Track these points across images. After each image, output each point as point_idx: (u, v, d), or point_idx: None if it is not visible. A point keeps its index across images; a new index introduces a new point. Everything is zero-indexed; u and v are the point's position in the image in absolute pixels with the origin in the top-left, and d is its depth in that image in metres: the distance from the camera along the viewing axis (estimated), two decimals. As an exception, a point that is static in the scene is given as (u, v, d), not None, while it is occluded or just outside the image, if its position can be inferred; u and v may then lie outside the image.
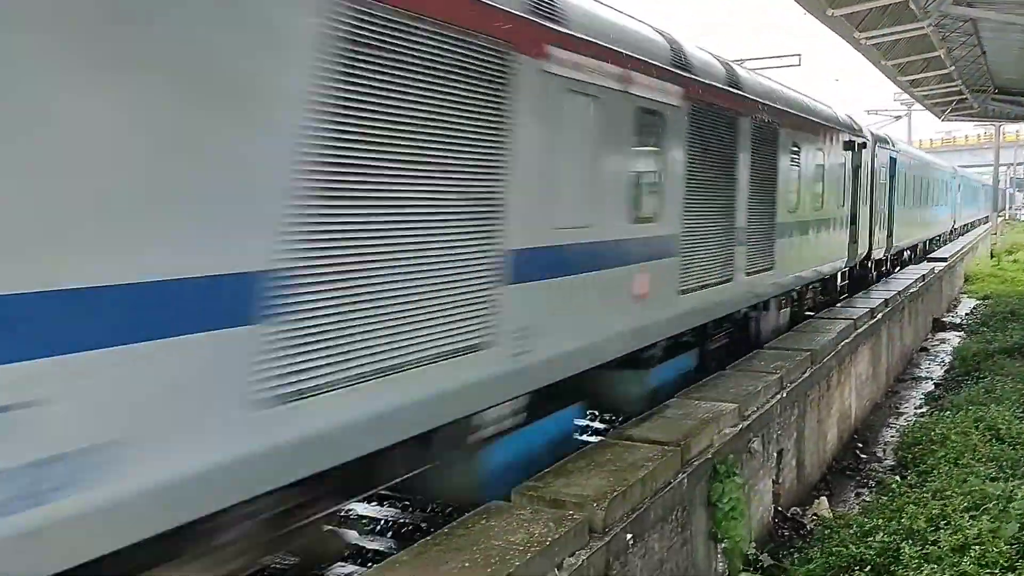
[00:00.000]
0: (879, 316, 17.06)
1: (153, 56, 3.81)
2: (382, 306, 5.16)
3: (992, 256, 46.69)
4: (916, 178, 29.99)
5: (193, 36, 3.98)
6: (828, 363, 12.87)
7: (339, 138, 4.75)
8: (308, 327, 4.62)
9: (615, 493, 6.40)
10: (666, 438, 7.84)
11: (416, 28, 5.32)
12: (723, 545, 8.20)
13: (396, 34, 5.18)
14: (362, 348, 5.00)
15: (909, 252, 30.47)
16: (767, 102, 12.32)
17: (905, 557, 8.24)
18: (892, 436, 14.97)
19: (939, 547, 8.38)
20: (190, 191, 4.00)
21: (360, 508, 8.19)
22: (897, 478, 11.85)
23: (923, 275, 24.47)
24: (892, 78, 29.06)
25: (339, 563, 6.82)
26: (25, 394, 3.32)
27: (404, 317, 5.35)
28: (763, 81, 13.42)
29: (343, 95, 4.79)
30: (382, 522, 8.24)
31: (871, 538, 8.95)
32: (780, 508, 10.61)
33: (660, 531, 6.99)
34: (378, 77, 5.04)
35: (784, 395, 10.61)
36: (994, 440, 12.28)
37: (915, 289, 22.03)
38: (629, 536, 6.35)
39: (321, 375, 4.73)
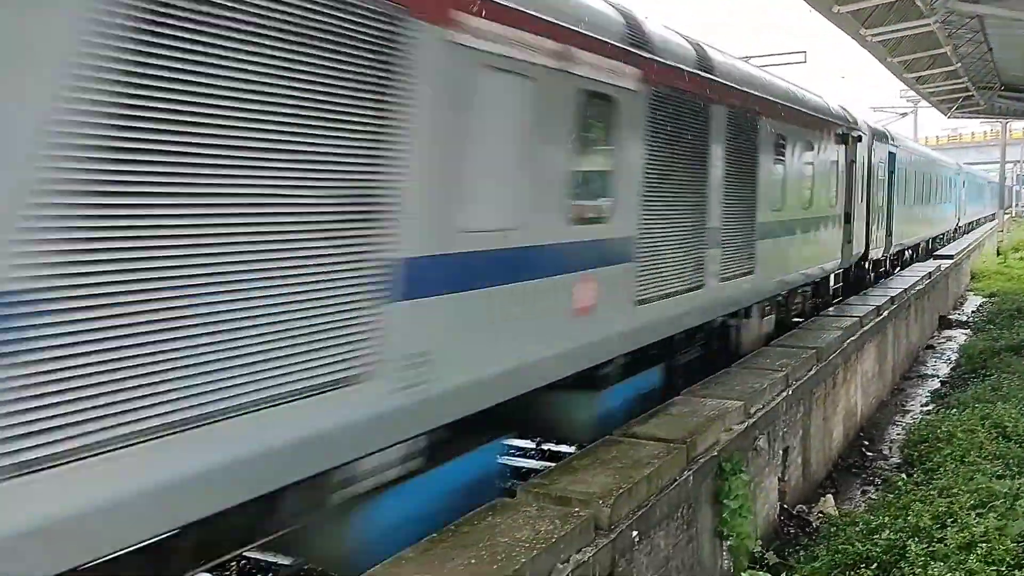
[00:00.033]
0: (885, 314, 17.03)
1: None
2: (186, 337, 3.92)
3: (999, 253, 46.58)
4: (917, 174, 28.74)
5: None
6: (834, 361, 12.85)
7: (125, 115, 3.62)
8: (55, 369, 3.44)
9: (621, 490, 6.40)
10: (672, 435, 7.83)
11: None
12: (729, 543, 8.20)
13: None
14: (145, 394, 3.76)
15: (911, 251, 29.44)
16: (745, 89, 11.12)
17: (911, 555, 8.23)
18: (898, 434, 14.96)
19: (945, 545, 8.37)
20: None
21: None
22: (903, 476, 11.85)
23: (929, 272, 24.42)
24: (898, 75, 28.98)
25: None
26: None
27: (225, 348, 4.11)
28: (741, 66, 12.00)
29: (134, 61, 3.66)
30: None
31: (877, 536, 8.94)
32: (786, 506, 10.60)
33: (666, 528, 7.00)
34: (196, 39, 3.89)
35: (790, 393, 10.60)
36: (1001, 438, 12.25)
37: (921, 287, 21.99)
38: (635, 533, 6.35)
39: (72, 435, 3.50)
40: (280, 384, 4.37)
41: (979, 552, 8.03)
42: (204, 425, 3.97)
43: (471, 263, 5.91)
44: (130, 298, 3.68)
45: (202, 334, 3.97)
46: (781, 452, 10.37)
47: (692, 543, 7.55)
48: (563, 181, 7.08)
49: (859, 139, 17.96)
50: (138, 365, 3.71)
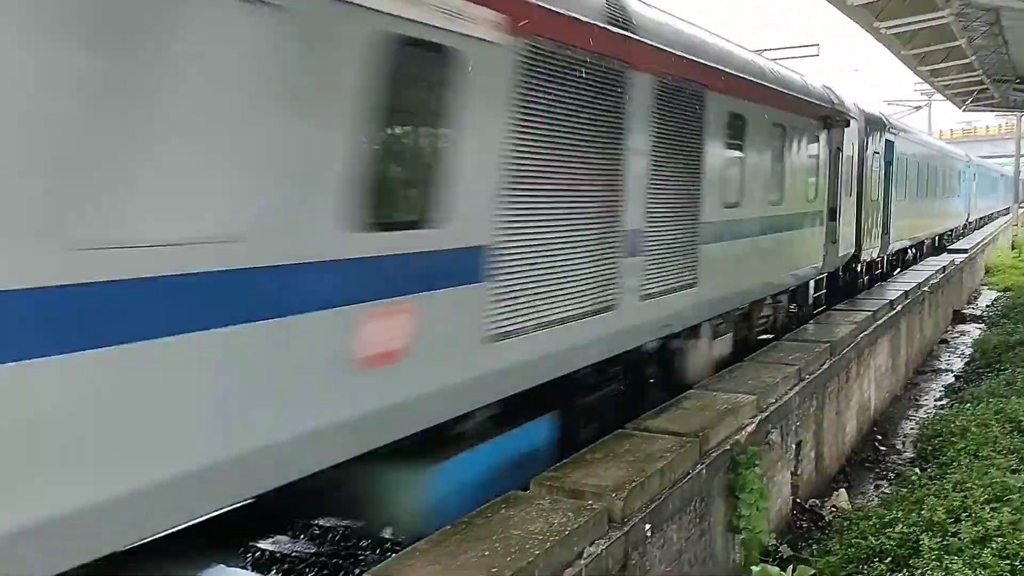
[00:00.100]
0: (898, 308, 16.96)
1: None
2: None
3: (1013, 248, 46.29)
4: (921, 166, 26.19)
5: None
6: (847, 355, 12.81)
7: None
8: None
9: (634, 483, 6.41)
10: (684, 429, 7.84)
11: None
12: (742, 536, 8.20)
13: None
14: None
15: (914, 250, 27.24)
16: (684, 55, 8.91)
17: (925, 549, 8.22)
18: (912, 428, 14.92)
19: (959, 539, 8.35)
20: None
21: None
22: (917, 470, 11.82)
23: (943, 267, 24.30)
24: (912, 68, 28.82)
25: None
26: None
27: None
28: (681, 27, 9.51)
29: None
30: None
31: (891, 529, 8.93)
32: (798, 500, 10.59)
33: (678, 522, 7.00)
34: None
35: (803, 387, 10.58)
36: (1015, 432, 12.20)
37: (935, 281, 21.88)
38: (648, 526, 6.36)
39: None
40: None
41: (993, 546, 8.01)
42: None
43: (98, 299, 3.62)
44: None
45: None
46: (794, 446, 10.36)
47: (705, 537, 7.56)
48: (343, 167, 4.79)
49: (847, 124, 15.60)
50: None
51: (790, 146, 12.46)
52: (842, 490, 11.47)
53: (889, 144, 20.76)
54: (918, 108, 60.39)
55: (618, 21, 7.65)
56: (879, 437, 14.46)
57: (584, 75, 7.03)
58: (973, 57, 26.60)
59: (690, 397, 9.16)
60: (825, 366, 11.67)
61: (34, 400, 3.44)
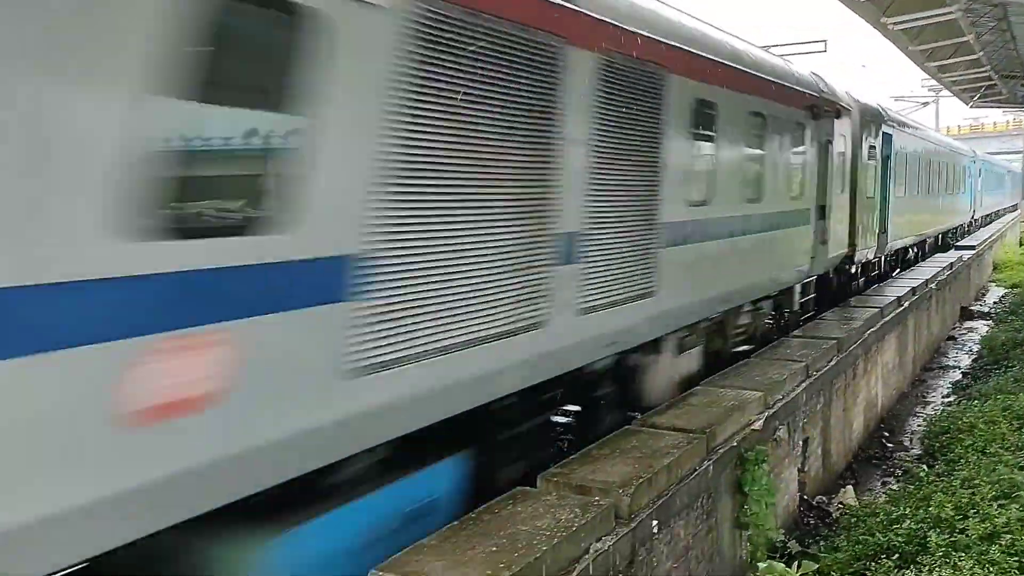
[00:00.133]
0: (906, 305, 16.92)
1: None
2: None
3: (1021, 244, 46.13)
4: (922, 160, 24.67)
5: None
6: (854, 352, 12.79)
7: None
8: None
9: (641, 480, 6.41)
10: (691, 425, 7.84)
11: None
12: (750, 532, 8.19)
13: None
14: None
15: (916, 249, 26.01)
16: (638, 31, 7.66)
17: (932, 545, 8.20)
18: (919, 425, 14.88)
19: (967, 535, 8.34)
20: None
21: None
22: (924, 467, 11.79)
23: (951, 263, 24.22)
24: (919, 64, 28.72)
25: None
26: None
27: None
28: (640, 1, 8.24)
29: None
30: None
31: (898, 526, 8.93)
32: (805, 496, 10.58)
33: (686, 518, 7.00)
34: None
35: (810, 383, 10.56)
36: (1023, 429, 12.17)
37: (943, 277, 21.83)
38: (655, 523, 6.36)
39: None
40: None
41: (1002, 543, 7.99)
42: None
43: None
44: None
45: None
46: (801, 443, 10.35)
47: (712, 533, 7.56)
48: (121, 153, 3.63)
49: (838, 115, 14.47)
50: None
51: (771, 138, 11.26)
52: (849, 487, 11.46)
53: (887, 137, 19.42)
54: (925, 104, 60.25)
55: None
56: (886, 434, 14.43)
57: (501, 50, 5.80)
58: (981, 53, 26.50)
59: (697, 393, 9.16)
60: (832, 362, 11.65)
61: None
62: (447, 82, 5.35)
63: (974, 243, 32.37)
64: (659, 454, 7.03)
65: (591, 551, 5.62)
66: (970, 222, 40.15)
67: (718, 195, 9.63)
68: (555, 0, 6.43)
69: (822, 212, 13.88)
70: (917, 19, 21.14)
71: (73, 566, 3.82)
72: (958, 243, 32.71)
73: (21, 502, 3.37)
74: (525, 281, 6.28)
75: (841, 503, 10.78)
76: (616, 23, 7.31)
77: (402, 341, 5.10)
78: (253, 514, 4.56)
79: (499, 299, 6.00)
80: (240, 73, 4.39)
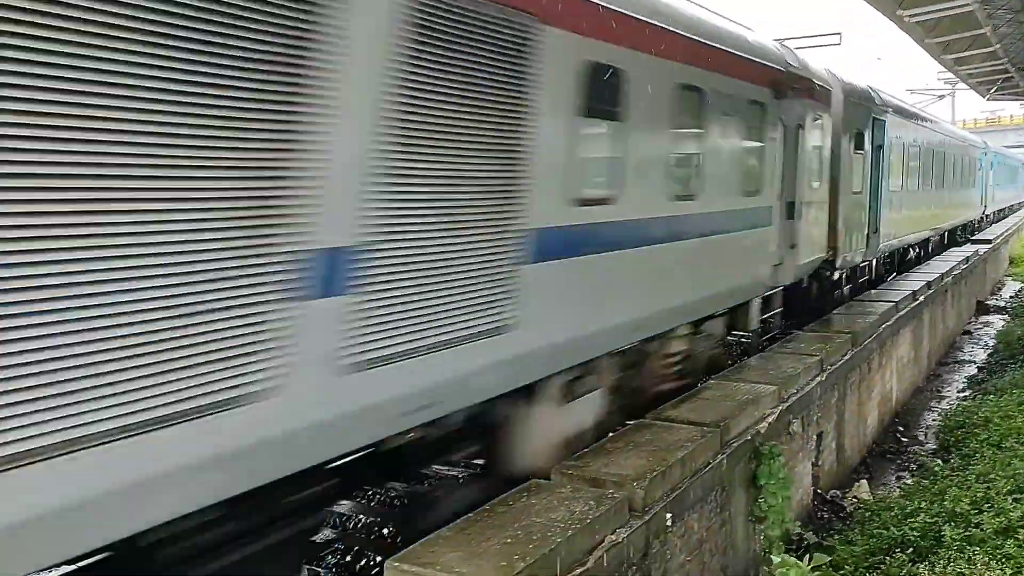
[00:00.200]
0: (921, 299, 16.86)
1: None
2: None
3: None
4: (924, 152, 21.98)
5: None
6: (869, 346, 12.76)
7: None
8: None
9: (655, 473, 6.43)
10: (705, 419, 7.85)
11: None
12: (764, 526, 8.20)
13: None
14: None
15: (917, 249, 23.41)
16: None
17: (947, 539, 8.21)
18: (934, 420, 14.84)
19: (982, 529, 8.34)
20: None
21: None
22: (939, 461, 11.77)
23: (966, 257, 24.09)
24: (936, 56, 28.56)
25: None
26: None
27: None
28: None
29: None
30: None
31: (913, 520, 8.93)
32: (819, 490, 10.58)
33: (699, 511, 7.02)
34: None
35: (824, 377, 10.54)
36: (1039, 424, 12.14)
37: (958, 272, 21.72)
38: (669, 515, 6.38)
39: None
40: None
41: (1017, 537, 7.99)
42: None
43: None
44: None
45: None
46: (815, 437, 10.34)
47: (726, 526, 7.57)
48: None
49: (811, 95, 12.41)
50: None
51: (713, 120, 9.08)
52: (863, 481, 11.45)
53: (879, 124, 16.89)
54: (941, 97, 59.83)
55: None
56: (901, 428, 14.39)
57: None
58: (998, 45, 26.31)
59: (711, 387, 9.16)
60: (847, 357, 11.62)
61: None
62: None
63: (990, 237, 32.17)
64: (673, 447, 7.05)
65: (605, 543, 5.64)
66: (981, 218, 37.69)
67: (628, 191, 7.45)
68: None
69: (792, 210, 11.69)
70: (933, 11, 21.03)
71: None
72: (974, 237, 32.46)
73: None
74: (247, 333, 4.14)
75: (855, 497, 10.77)
76: None
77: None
78: None
79: (206, 355, 3.95)
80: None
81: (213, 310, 3.95)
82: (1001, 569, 7.51)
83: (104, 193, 3.49)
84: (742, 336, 11.39)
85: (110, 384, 3.55)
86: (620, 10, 7.19)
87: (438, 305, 5.37)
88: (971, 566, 7.62)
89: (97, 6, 3.39)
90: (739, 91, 9.78)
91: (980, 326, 23.63)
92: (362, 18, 4.62)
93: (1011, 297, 28.20)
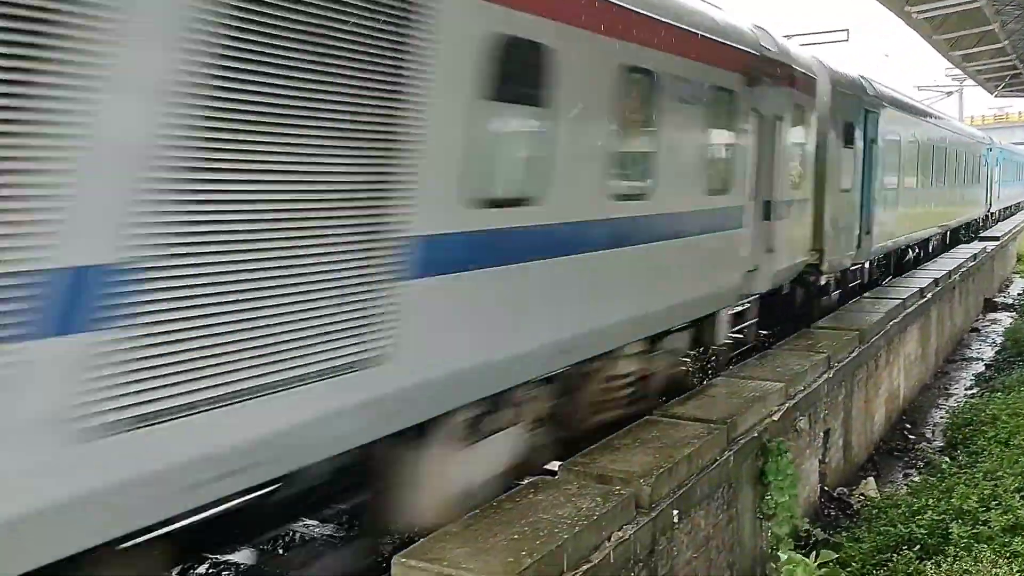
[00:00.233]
0: (929, 296, 16.81)
1: None
2: None
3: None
4: (923, 147, 20.81)
5: None
6: (876, 343, 12.73)
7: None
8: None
9: (661, 470, 6.43)
10: (712, 416, 7.84)
11: None
12: (772, 523, 8.19)
13: None
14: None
15: (917, 250, 22.30)
16: None
17: (955, 537, 8.20)
18: (941, 417, 14.81)
19: (990, 527, 8.33)
20: None
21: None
22: (947, 459, 11.75)
23: (974, 254, 24.01)
24: (943, 53, 28.47)
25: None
26: None
27: None
28: None
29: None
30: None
31: (920, 517, 8.92)
32: (826, 488, 10.56)
33: (706, 508, 7.02)
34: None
35: (831, 375, 10.53)
36: (1047, 421, 12.11)
37: (965, 269, 21.65)
38: (675, 512, 6.38)
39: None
40: None
41: (1025, 535, 7.98)
42: None
43: None
44: None
45: None
46: (822, 434, 10.33)
47: (733, 523, 7.57)
48: None
49: (794, 83, 11.43)
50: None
51: (668, 108, 7.95)
52: (870, 479, 11.43)
53: (871, 117, 15.74)
54: (949, 94, 59.66)
55: None
56: (908, 426, 14.36)
57: None
58: (1006, 42, 26.23)
59: (718, 384, 9.15)
60: (854, 353, 11.60)
61: None
62: None
63: (998, 234, 32.06)
64: (680, 444, 7.04)
65: (612, 540, 5.65)
66: (986, 216, 36.20)
67: (556, 191, 6.37)
68: None
69: (768, 210, 10.70)
70: (941, 8, 20.96)
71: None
72: (982, 234, 32.32)
73: None
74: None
75: (862, 495, 10.76)
76: None
77: None
78: None
79: None
80: None
81: None
82: (1008, 567, 7.50)
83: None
84: (710, 351, 9.97)
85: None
86: None
87: (259, 333, 4.19)
88: (978, 564, 7.61)
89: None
90: (702, 76, 8.66)
91: (988, 323, 23.56)
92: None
93: (1019, 294, 28.11)
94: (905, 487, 11.28)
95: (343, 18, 4.44)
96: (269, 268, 4.21)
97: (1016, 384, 14.73)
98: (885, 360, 13.48)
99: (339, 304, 4.58)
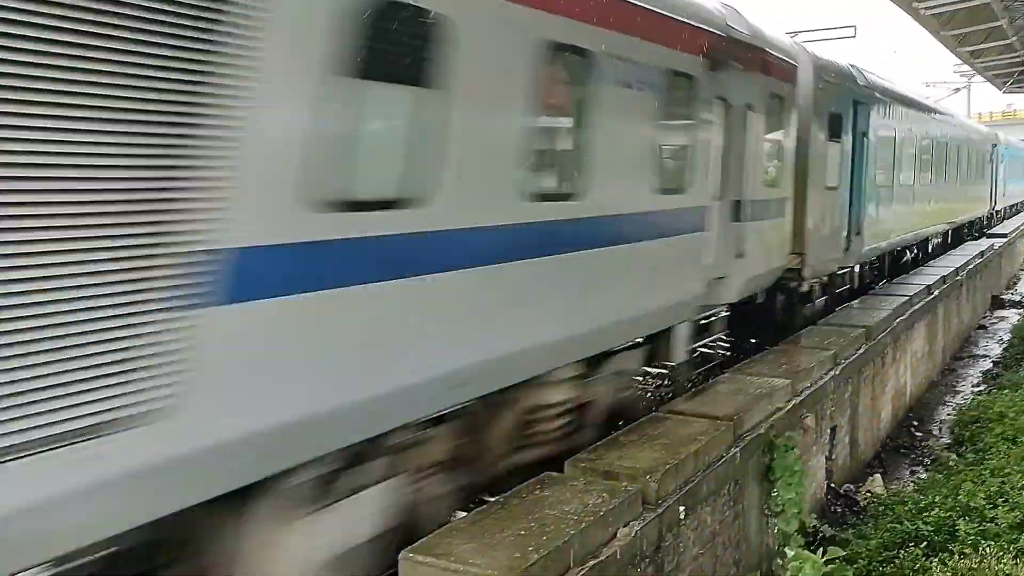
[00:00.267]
0: (935, 293, 16.77)
1: None
2: None
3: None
4: (920, 141, 19.63)
5: None
6: (883, 340, 12.70)
7: None
8: None
9: (668, 466, 6.44)
10: (718, 413, 7.84)
11: None
12: (777, 519, 8.19)
13: None
14: None
15: (916, 251, 21.21)
16: None
17: (962, 534, 8.20)
18: (948, 414, 14.79)
19: (996, 524, 8.32)
20: None
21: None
22: (953, 455, 11.73)
23: (981, 251, 23.94)
24: (951, 49, 28.36)
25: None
26: None
27: None
28: None
29: None
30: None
31: (927, 514, 8.92)
32: (833, 485, 10.56)
33: (712, 504, 7.03)
34: None
35: (838, 371, 10.52)
36: (1055, 418, 12.09)
37: (973, 266, 21.58)
38: (682, 509, 6.39)
39: None
40: None
41: (1032, 532, 7.97)
42: None
43: None
44: None
45: None
46: (828, 431, 10.32)
47: (739, 520, 7.57)
48: None
49: (769, 69, 10.41)
50: None
51: (607, 93, 6.86)
52: (877, 475, 11.42)
53: (862, 108, 14.60)
54: (957, 91, 59.43)
55: None
56: (915, 423, 14.34)
57: None
58: (1014, 38, 26.12)
59: (724, 381, 9.15)
60: (861, 351, 11.58)
61: None
62: None
63: (1006, 231, 31.94)
64: (686, 441, 7.05)
65: (618, 536, 5.66)
66: (990, 214, 34.83)
67: (449, 189, 5.29)
68: None
69: (739, 211, 9.67)
70: (949, 4, 20.88)
71: None
72: (989, 231, 32.16)
73: None
74: None
75: (869, 491, 10.75)
76: None
77: None
78: None
79: None
80: None
81: None
82: (1015, 563, 7.50)
83: None
84: (669, 371, 8.77)
85: None
86: None
87: None
88: (985, 560, 7.61)
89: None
90: (652, 57, 7.51)
91: (995, 320, 23.50)
92: None
93: (1027, 291, 28.04)
94: (912, 484, 11.28)
95: None
96: None
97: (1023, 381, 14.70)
98: (892, 357, 13.46)
99: (84, 344, 3.44)
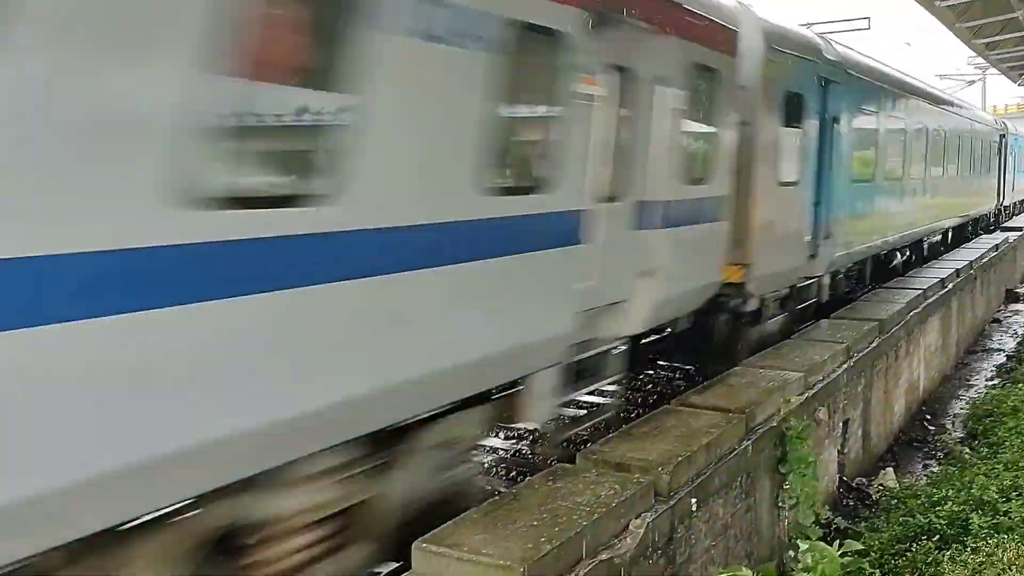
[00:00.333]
0: (949, 287, 16.69)
1: None
2: None
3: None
4: (910, 129, 17.02)
5: None
6: (896, 333, 12.66)
7: None
8: None
9: (680, 458, 6.44)
10: (730, 405, 7.84)
11: None
12: (789, 512, 8.19)
13: None
14: None
15: (907, 253, 18.52)
16: None
17: (975, 527, 8.17)
18: (962, 408, 14.72)
19: (1010, 518, 8.29)
20: None
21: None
22: (967, 449, 11.69)
23: (996, 245, 23.79)
24: (966, 41, 28.13)
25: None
26: None
27: None
28: None
29: None
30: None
31: (940, 508, 8.89)
32: (845, 478, 10.54)
33: (724, 497, 7.03)
34: None
35: (851, 364, 10.48)
36: (1069, 412, 12.04)
37: (987, 259, 21.45)
38: (694, 501, 6.40)
39: None
40: None
41: (1046, 526, 7.94)
42: None
43: None
44: None
45: None
46: (841, 424, 10.30)
47: (751, 512, 7.57)
48: None
49: (691, 33, 8.12)
50: None
51: (384, 53, 4.54)
52: (889, 469, 11.39)
53: (832, 88, 12.17)
54: (971, 83, 59.03)
55: None
56: (928, 417, 14.29)
57: None
58: (1030, 29, 25.91)
59: (736, 374, 9.14)
60: (874, 344, 11.54)
61: None
62: None
63: (1021, 225, 31.71)
64: (698, 433, 7.05)
65: (630, 528, 5.67)
66: (996, 211, 31.86)
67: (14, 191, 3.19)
68: None
69: (643, 217, 7.60)
70: (965, -5, 20.72)
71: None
72: (1004, 224, 31.85)
73: None
74: None
75: (881, 485, 10.73)
76: None
77: None
78: None
79: None
80: None
81: None
82: (1029, 557, 7.47)
83: None
84: (530, 440, 7.25)
85: None
86: None
87: None
88: (998, 553, 7.58)
89: None
90: (480, 2, 5.29)
91: (1009, 314, 23.36)
92: None
93: (1042, 285, 27.84)
94: (925, 478, 11.24)
95: None
96: None
97: (1038, 375, 14.65)
98: (905, 351, 13.41)
99: None
